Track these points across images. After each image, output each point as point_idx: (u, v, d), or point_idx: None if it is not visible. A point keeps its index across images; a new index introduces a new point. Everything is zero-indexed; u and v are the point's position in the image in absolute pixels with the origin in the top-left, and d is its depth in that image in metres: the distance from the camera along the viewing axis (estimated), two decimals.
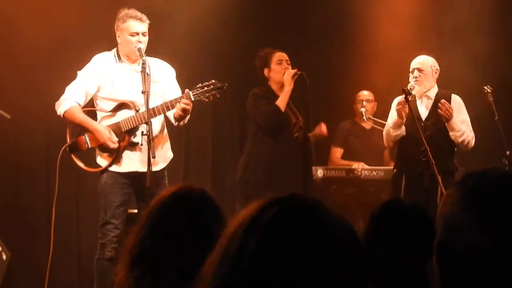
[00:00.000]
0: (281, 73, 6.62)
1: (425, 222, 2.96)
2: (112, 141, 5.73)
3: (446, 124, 6.43)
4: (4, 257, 6.25)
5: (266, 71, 6.75)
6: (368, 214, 3.03)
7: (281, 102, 6.52)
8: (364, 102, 8.02)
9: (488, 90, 6.87)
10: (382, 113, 7.46)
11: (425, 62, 6.62)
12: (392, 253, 2.87)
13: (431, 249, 2.89)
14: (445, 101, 6.40)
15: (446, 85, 6.81)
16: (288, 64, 6.69)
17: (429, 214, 3.01)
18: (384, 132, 6.77)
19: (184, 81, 6.09)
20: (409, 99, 6.30)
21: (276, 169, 6.56)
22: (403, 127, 6.53)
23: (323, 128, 6.97)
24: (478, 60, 7.85)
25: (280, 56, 6.73)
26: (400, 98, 6.50)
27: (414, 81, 6.54)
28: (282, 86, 6.62)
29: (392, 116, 6.63)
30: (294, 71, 6.55)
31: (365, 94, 8.12)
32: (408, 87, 6.41)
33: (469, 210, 1.48)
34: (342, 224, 1.31)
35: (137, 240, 2.58)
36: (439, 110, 6.36)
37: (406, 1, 8.54)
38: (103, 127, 5.79)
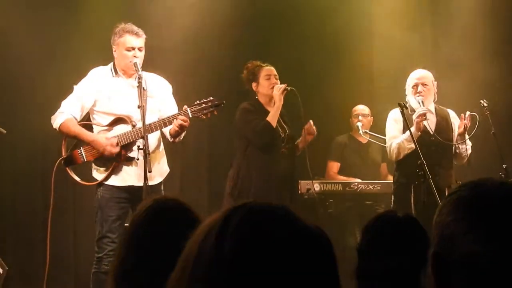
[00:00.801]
0: (269, 88, 6.62)
1: (419, 233, 2.98)
2: (113, 145, 5.72)
3: (461, 135, 6.45)
4: (0, 271, 6.23)
5: (254, 85, 6.74)
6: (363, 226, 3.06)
7: (272, 118, 6.53)
8: (360, 117, 8.01)
9: (485, 104, 6.87)
10: (379, 127, 7.46)
11: (428, 76, 6.61)
12: (386, 264, 2.88)
13: (425, 259, 2.91)
14: (469, 113, 6.42)
15: (444, 99, 6.83)
16: (276, 79, 6.68)
17: (422, 225, 3.03)
18: (391, 146, 6.60)
19: (181, 97, 6.10)
20: (407, 112, 6.32)
21: (266, 184, 6.56)
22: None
23: (310, 126, 6.88)
24: (474, 75, 7.88)
25: (268, 71, 6.72)
26: (396, 111, 6.50)
27: (418, 95, 6.51)
28: (270, 100, 6.64)
29: (396, 128, 6.58)
30: (283, 86, 6.56)
31: (361, 108, 8.11)
32: (419, 100, 6.41)
33: (464, 219, 1.48)
34: (307, 224, 1.33)
35: (118, 261, 2.52)
36: (465, 122, 6.35)
37: (401, 16, 8.57)
38: (99, 136, 5.78)
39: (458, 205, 1.51)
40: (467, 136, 6.49)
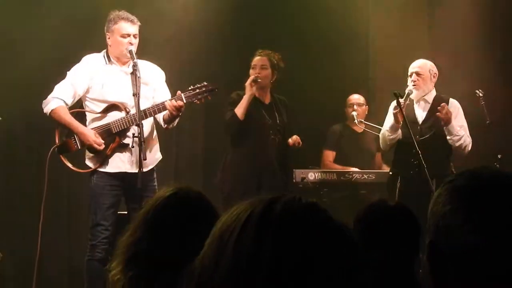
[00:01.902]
0: None
1: (410, 221, 2.98)
2: (98, 143, 5.70)
3: (444, 128, 6.45)
4: None
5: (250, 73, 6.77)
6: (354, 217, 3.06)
7: (239, 109, 6.56)
8: (355, 106, 8.00)
9: (480, 94, 6.88)
10: (379, 116, 7.47)
11: (423, 66, 6.63)
12: (380, 253, 2.88)
13: (417, 247, 2.90)
14: (445, 104, 6.42)
15: (440, 89, 6.83)
16: (262, 68, 6.68)
17: (413, 213, 3.03)
18: (380, 135, 6.80)
19: (175, 83, 6.09)
20: (405, 102, 6.33)
21: (248, 171, 6.60)
22: (399, 131, 6.52)
23: (294, 140, 6.91)
24: (469, 64, 7.88)
25: (256, 60, 6.74)
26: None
27: (412, 85, 6.54)
28: (261, 89, 6.70)
29: (388, 119, 6.63)
30: (252, 77, 6.58)
31: (355, 97, 8.10)
32: (406, 91, 6.43)
33: (460, 210, 1.47)
34: (335, 219, 1.33)
35: (132, 240, 2.56)
36: (438, 114, 6.37)
37: (399, 5, 8.55)
38: (88, 130, 5.77)
39: (454, 195, 1.50)
40: (456, 127, 6.48)
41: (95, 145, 5.69)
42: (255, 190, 6.40)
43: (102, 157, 5.77)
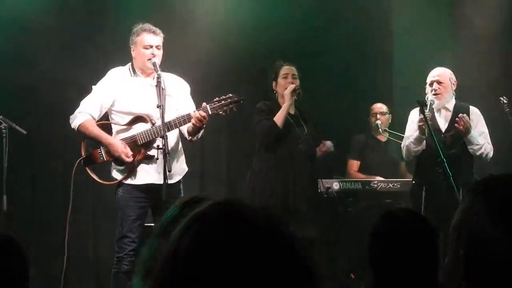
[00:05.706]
0: (285, 88, 6.61)
1: (424, 226, 2.95)
2: (127, 155, 5.72)
3: (464, 138, 6.41)
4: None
5: (274, 84, 6.74)
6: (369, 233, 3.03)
7: (278, 117, 6.51)
8: (378, 115, 7.99)
9: (504, 101, 6.85)
10: (399, 125, 7.45)
11: (443, 74, 6.59)
12: (400, 264, 2.86)
13: (437, 252, 2.87)
14: (463, 115, 6.38)
15: (462, 95, 6.80)
16: (294, 78, 6.66)
17: (425, 218, 3.01)
18: (403, 147, 6.68)
19: (200, 95, 6.10)
20: (425, 110, 6.29)
21: (279, 183, 6.54)
22: (424, 142, 6.48)
23: (324, 146, 6.94)
24: (494, 70, 7.85)
25: (286, 70, 6.70)
26: (416, 111, 6.45)
27: (433, 94, 6.50)
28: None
29: (411, 129, 6.57)
30: (293, 86, 6.55)
31: (378, 106, 8.09)
32: (429, 102, 6.39)
33: (501, 223, 1.44)
34: (263, 217, 1.27)
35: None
36: (456, 125, 6.34)
37: (422, 14, 8.52)
38: (117, 141, 5.79)
39: (491, 207, 1.47)
40: (475, 135, 6.44)
41: (123, 156, 5.71)
42: (289, 202, 6.38)
43: (128, 169, 5.79)
